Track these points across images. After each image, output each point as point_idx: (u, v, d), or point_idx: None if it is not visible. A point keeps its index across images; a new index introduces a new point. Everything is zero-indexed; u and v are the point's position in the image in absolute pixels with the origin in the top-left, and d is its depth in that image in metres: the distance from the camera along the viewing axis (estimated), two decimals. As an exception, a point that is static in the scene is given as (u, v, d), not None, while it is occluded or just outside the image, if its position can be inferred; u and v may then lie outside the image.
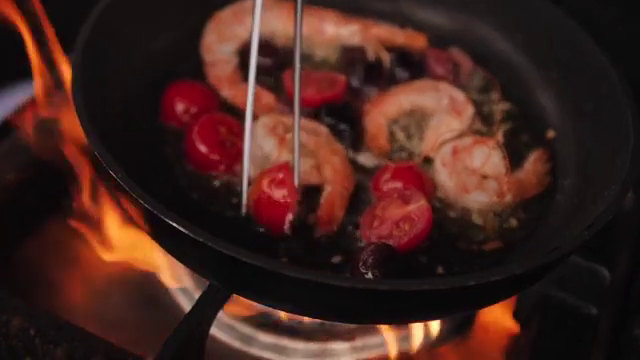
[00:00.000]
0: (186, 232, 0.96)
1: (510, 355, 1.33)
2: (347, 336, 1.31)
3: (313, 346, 1.31)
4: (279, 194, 1.13)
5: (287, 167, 1.14)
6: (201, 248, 0.96)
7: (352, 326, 1.30)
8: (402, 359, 1.33)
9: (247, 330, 1.30)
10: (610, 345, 1.26)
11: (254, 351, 1.29)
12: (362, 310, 1.04)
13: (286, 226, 1.13)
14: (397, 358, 1.32)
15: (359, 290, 0.96)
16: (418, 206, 1.14)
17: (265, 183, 1.13)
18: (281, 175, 1.13)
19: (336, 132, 1.27)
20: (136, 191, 1.00)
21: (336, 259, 1.13)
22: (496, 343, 1.36)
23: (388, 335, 1.32)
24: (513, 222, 1.22)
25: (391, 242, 1.11)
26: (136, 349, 1.14)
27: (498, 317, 1.37)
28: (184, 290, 1.36)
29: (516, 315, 1.30)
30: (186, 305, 1.33)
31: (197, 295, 1.12)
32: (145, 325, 1.31)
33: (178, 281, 1.37)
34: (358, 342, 1.30)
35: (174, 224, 0.96)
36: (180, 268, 1.37)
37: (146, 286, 1.36)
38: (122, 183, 1.01)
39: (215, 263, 1.01)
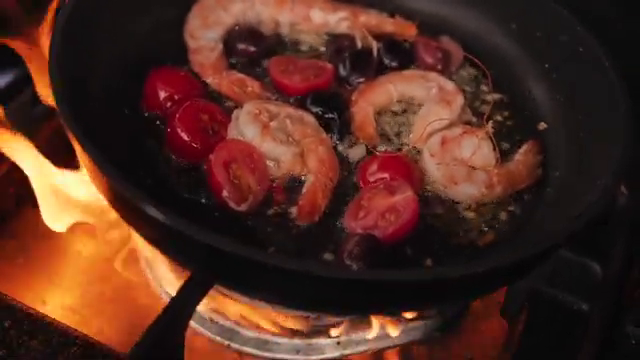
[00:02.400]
0: (169, 223, 0.92)
1: (499, 351, 1.31)
2: (331, 331, 1.28)
3: (297, 341, 1.28)
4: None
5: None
6: (187, 239, 0.92)
7: (337, 321, 1.27)
8: (388, 355, 1.31)
9: (228, 324, 1.27)
10: (602, 342, 1.23)
11: (236, 346, 1.26)
12: (346, 302, 1.00)
13: (230, 204, 1.10)
14: (383, 353, 1.30)
15: (343, 281, 0.93)
16: (404, 197, 1.10)
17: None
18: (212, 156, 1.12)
19: (322, 121, 1.24)
20: (119, 181, 0.96)
21: (328, 256, 1.09)
22: (485, 339, 1.34)
23: (374, 331, 1.29)
24: (502, 214, 1.18)
25: (376, 233, 1.08)
26: (113, 342, 1.12)
27: (487, 313, 1.35)
28: (165, 284, 1.33)
29: (505, 311, 1.27)
30: (166, 299, 1.30)
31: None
32: (124, 319, 1.29)
33: (159, 275, 1.35)
34: (343, 338, 1.28)
35: (153, 213, 0.93)
36: (161, 261, 1.35)
37: (126, 280, 1.34)
38: (104, 171, 0.97)
39: (199, 253, 0.97)
